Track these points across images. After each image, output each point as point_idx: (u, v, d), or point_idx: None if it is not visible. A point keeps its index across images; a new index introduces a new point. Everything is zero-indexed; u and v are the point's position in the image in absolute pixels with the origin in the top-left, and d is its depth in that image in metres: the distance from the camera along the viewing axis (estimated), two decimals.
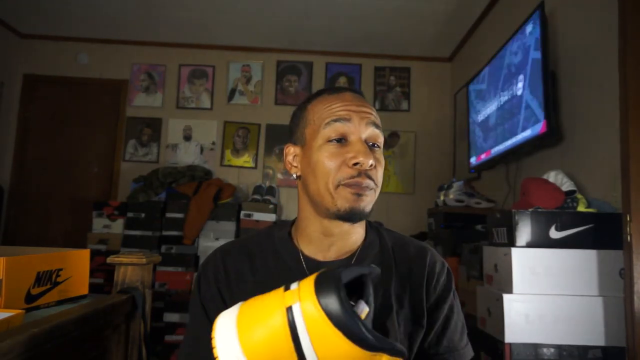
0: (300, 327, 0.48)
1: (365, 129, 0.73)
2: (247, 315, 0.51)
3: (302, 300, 0.49)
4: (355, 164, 0.70)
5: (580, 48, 2.00)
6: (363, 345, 0.47)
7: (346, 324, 0.47)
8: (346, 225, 0.75)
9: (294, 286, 0.52)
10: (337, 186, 0.71)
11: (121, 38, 3.91)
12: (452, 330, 0.77)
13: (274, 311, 0.50)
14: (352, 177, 0.70)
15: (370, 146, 0.73)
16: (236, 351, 0.49)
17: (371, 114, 0.75)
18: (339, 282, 0.49)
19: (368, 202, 0.72)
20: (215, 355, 0.50)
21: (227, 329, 0.51)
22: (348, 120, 0.72)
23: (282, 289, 0.53)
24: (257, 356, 0.49)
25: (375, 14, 3.27)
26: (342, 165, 0.71)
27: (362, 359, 0.48)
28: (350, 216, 0.71)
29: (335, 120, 0.72)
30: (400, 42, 3.74)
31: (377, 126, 0.74)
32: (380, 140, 0.75)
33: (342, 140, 0.72)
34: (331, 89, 0.79)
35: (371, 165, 0.70)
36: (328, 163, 0.71)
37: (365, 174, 0.70)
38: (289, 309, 0.49)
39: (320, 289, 0.49)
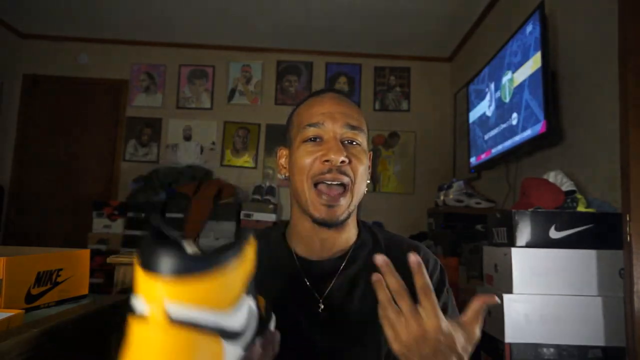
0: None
1: (340, 130, 0.76)
2: None
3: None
4: (327, 160, 0.73)
5: (580, 48, 2.00)
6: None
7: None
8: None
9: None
10: (313, 185, 0.74)
11: (121, 38, 3.91)
12: None
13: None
14: (323, 173, 0.73)
15: (347, 143, 0.76)
16: None
17: (348, 114, 0.77)
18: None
19: (341, 210, 0.74)
20: None
21: None
22: (322, 124, 0.76)
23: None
24: None
25: (375, 14, 3.26)
26: (315, 162, 0.75)
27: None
28: (325, 224, 0.75)
29: (311, 125, 0.76)
30: (400, 42, 3.74)
31: (352, 127, 0.77)
32: (360, 138, 0.78)
33: (317, 139, 0.76)
34: (316, 92, 0.83)
35: (342, 162, 0.73)
36: (304, 160, 0.75)
37: (338, 170, 0.73)
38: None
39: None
